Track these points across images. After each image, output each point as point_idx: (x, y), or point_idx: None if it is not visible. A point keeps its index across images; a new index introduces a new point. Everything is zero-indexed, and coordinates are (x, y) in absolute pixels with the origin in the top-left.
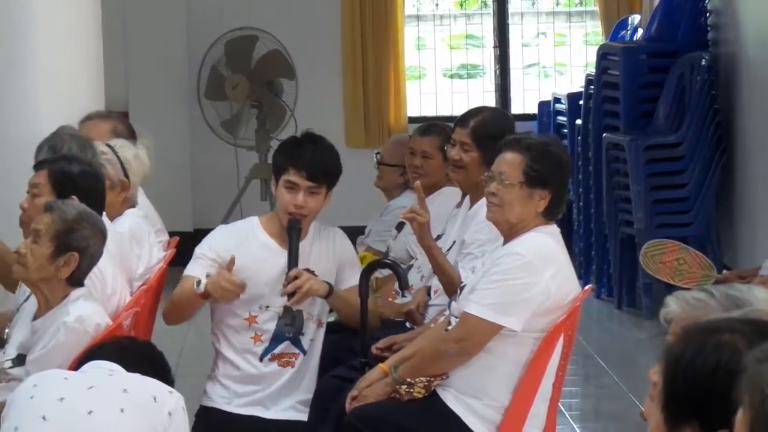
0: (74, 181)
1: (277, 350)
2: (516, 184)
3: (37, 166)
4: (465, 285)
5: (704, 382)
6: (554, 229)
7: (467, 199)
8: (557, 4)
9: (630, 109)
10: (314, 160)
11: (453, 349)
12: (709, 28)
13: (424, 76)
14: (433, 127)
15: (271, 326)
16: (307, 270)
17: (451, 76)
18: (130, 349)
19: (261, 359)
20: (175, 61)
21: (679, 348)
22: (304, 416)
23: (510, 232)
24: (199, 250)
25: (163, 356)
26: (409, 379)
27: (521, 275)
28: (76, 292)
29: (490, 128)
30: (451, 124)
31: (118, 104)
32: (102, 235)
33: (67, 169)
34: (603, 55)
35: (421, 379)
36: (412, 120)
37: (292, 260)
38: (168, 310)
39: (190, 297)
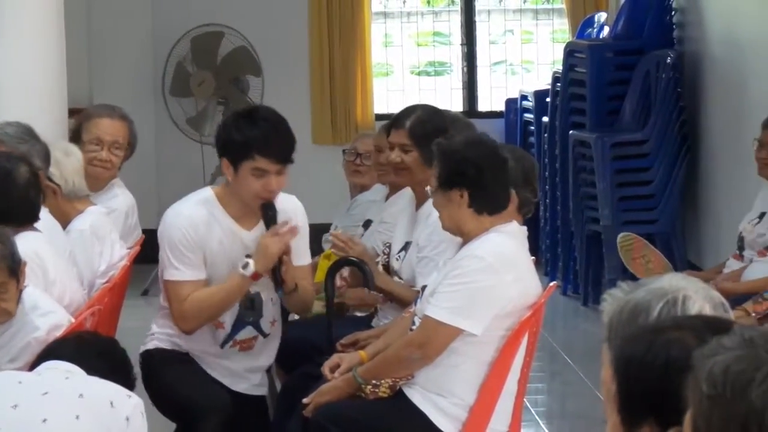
0: None
1: (239, 336)
2: (436, 191)
3: None
4: (426, 286)
5: (657, 379)
6: (515, 227)
7: (413, 199)
8: (524, 2)
9: (596, 106)
10: (281, 143)
11: (415, 354)
12: (674, 26)
13: (392, 73)
14: None
15: (233, 312)
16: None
17: (419, 73)
18: (92, 346)
19: (222, 346)
20: (139, 58)
21: (630, 348)
22: (263, 390)
23: (462, 235)
24: (175, 250)
25: (126, 354)
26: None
27: (481, 278)
28: (29, 298)
29: (427, 126)
30: None
31: (81, 101)
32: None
33: None
34: (570, 52)
35: (387, 379)
36: (380, 117)
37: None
38: (195, 316)
39: (234, 288)
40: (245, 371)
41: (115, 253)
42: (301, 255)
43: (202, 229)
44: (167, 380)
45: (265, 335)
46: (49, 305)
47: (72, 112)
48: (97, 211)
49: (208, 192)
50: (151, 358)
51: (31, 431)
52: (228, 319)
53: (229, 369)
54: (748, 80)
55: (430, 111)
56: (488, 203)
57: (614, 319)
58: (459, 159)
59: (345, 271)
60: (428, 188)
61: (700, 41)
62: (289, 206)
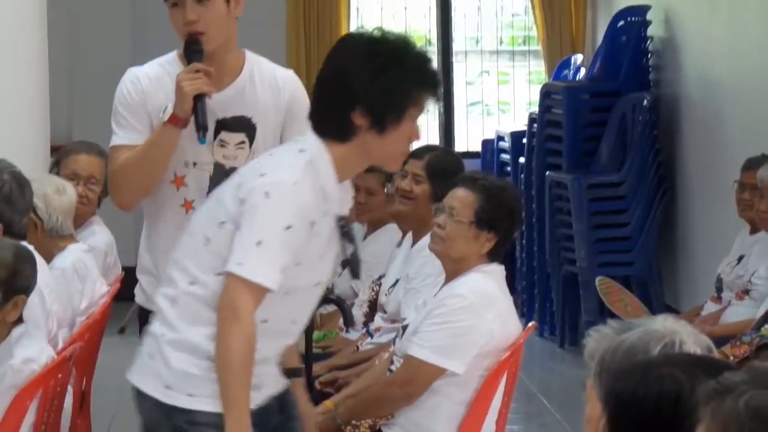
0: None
1: None
2: (465, 223)
3: None
4: (408, 325)
5: (649, 413)
6: (497, 268)
7: (409, 236)
8: (501, 44)
9: (573, 147)
10: None
11: (397, 393)
12: (651, 69)
13: None
14: None
15: (203, 188)
16: (244, 121)
17: None
18: None
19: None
20: None
21: (621, 383)
22: None
23: (452, 268)
24: (116, 113)
25: None
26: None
27: (463, 318)
28: (17, 331)
29: (444, 164)
30: None
31: (61, 138)
32: (35, 265)
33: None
34: (546, 94)
35: (367, 420)
36: None
37: (199, 106)
38: (121, 180)
39: (156, 138)
40: None
41: (96, 290)
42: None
43: (147, 84)
44: None
45: None
46: (33, 341)
47: (52, 149)
48: (78, 249)
49: (173, 52)
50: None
51: None
52: (198, 197)
53: None
54: (725, 122)
55: (449, 153)
56: (501, 254)
57: (607, 357)
58: (508, 208)
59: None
60: (435, 206)
61: (677, 84)
62: (279, 73)
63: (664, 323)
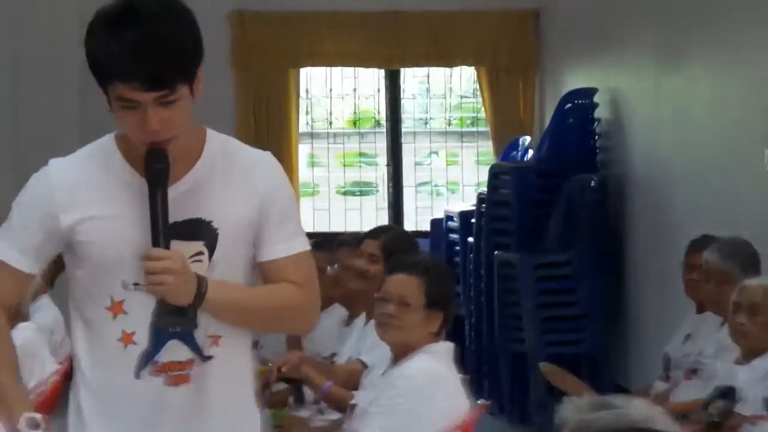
0: None
1: (164, 357)
2: (419, 308)
3: None
4: (356, 404)
5: None
6: (444, 348)
7: (362, 315)
8: (449, 125)
9: (521, 227)
10: (146, 59)
11: None
12: (598, 150)
13: (318, 193)
14: (324, 242)
15: (145, 316)
16: (201, 225)
17: (345, 193)
18: None
19: (138, 374)
20: None
21: None
22: None
23: (402, 351)
24: (14, 210)
25: None
26: None
27: (413, 398)
28: None
29: (399, 245)
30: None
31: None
32: None
33: None
34: (494, 174)
35: None
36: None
37: (157, 221)
38: None
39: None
40: None
41: (45, 369)
42: (284, 238)
43: (76, 178)
44: None
45: (203, 357)
46: None
47: None
48: (28, 328)
49: (108, 137)
50: None
51: None
52: (140, 328)
53: None
54: (672, 203)
55: (404, 234)
56: (446, 329)
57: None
58: (450, 282)
59: None
60: (378, 297)
61: (624, 165)
62: (249, 156)
63: (638, 408)
